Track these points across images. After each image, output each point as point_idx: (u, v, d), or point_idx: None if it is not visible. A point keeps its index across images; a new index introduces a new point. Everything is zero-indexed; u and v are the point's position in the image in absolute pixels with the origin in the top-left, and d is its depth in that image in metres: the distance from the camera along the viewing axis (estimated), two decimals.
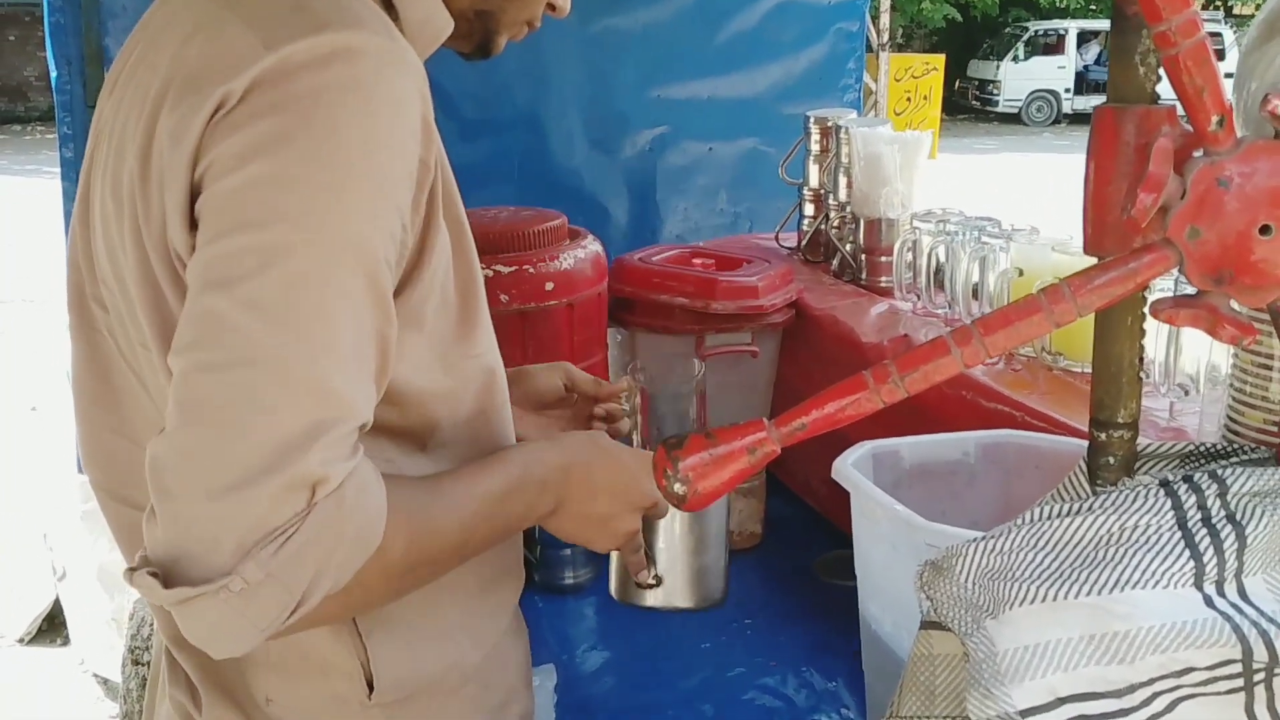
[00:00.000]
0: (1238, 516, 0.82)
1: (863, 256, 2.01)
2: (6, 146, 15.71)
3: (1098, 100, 0.88)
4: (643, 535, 1.12)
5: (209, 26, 0.79)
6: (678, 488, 0.72)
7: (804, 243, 2.25)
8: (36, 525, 3.62)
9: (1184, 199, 0.65)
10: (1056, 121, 21.00)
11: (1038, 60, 21.26)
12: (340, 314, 0.75)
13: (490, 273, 1.63)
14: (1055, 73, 21.13)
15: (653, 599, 1.19)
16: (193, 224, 0.77)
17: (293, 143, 0.74)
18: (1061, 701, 0.80)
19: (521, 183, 2.96)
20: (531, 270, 1.65)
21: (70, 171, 2.78)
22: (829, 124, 2.16)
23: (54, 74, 2.72)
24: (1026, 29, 21.78)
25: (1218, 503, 0.82)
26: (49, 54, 2.75)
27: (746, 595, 1.74)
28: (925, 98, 5.48)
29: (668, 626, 1.61)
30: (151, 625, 2.55)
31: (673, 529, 1.19)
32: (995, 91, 21.38)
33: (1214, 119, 0.63)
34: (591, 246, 1.75)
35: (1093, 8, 21.32)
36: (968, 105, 21.80)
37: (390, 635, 0.90)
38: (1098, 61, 20.88)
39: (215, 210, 0.75)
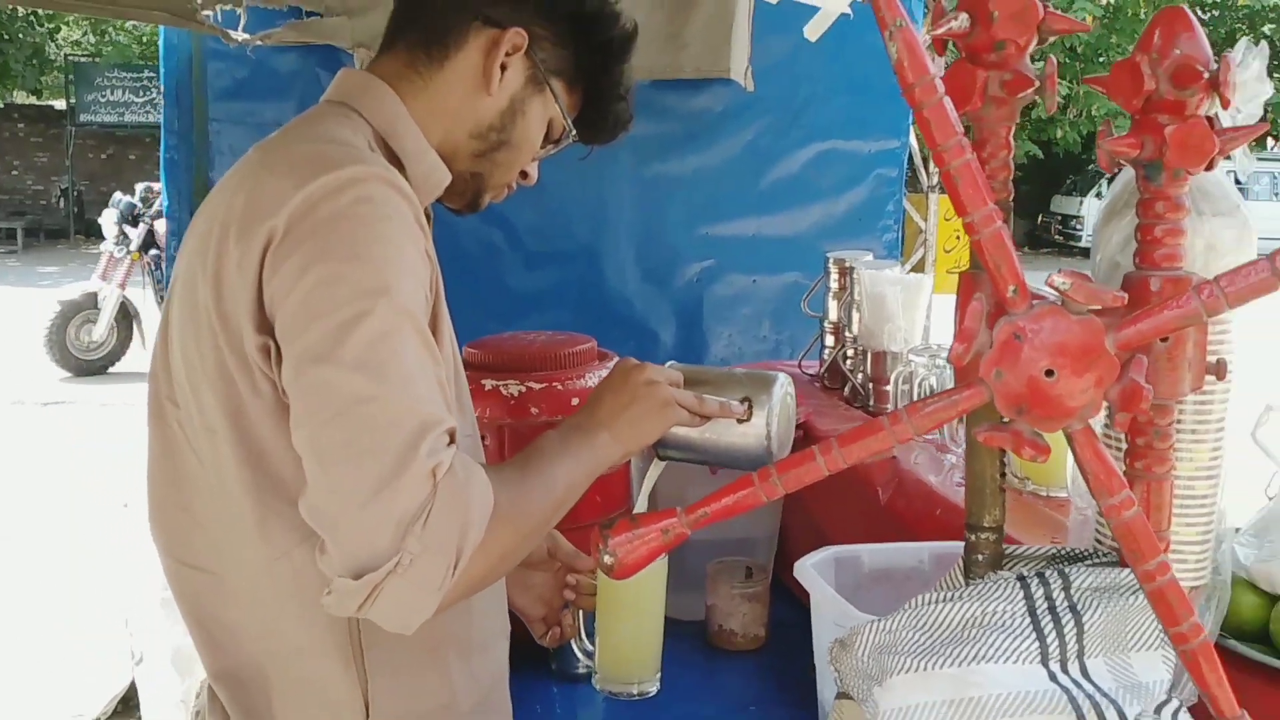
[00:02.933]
0: (1078, 607, 0.98)
1: (870, 385, 2.20)
2: None
3: None
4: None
5: (250, 179, 1.07)
6: (607, 559, 0.92)
7: (824, 370, 2.44)
8: (119, 612, 3.88)
9: (992, 348, 0.85)
10: None
11: None
12: (409, 358, 0.99)
13: (524, 388, 1.86)
14: None
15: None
16: (260, 327, 1.02)
17: (331, 252, 1.00)
18: None
19: (578, 309, 3.21)
20: (560, 387, 1.87)
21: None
22: (846, 264, 2.38)
23: (165, 203, 3.08)
24: None
25: (1062, 595, 0.99)
26: (163, 185, 3.11)
27: (748, 691, 1.90)
28: (958, 237, 5.69)
29: (670, 712, 1.77)
30: None
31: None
32: (1078, 226, 21.45)
33: (1010, 288, 0.83)
34: None
35: None
36: (1051, 240, 21.89)
37: (389, 673, 1.10)
38: None
39: (289, 321, 1.00)
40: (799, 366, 2.57)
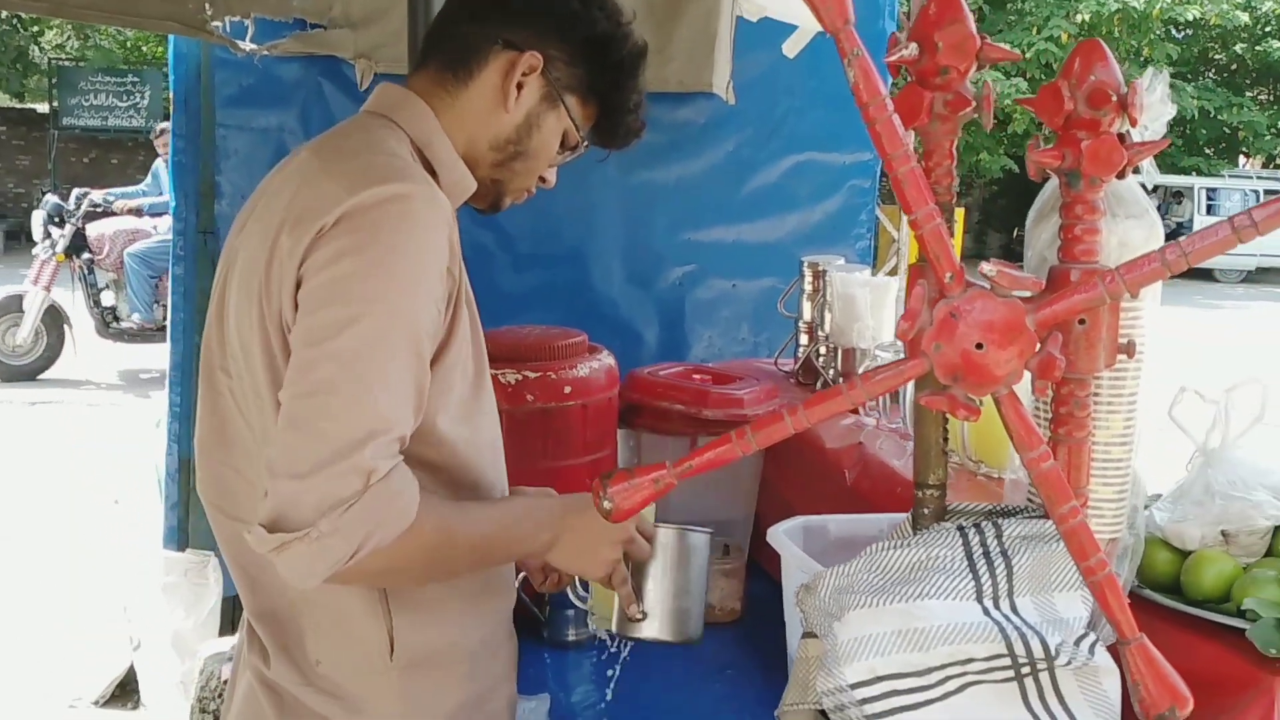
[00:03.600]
0: (1008, 552, 1.15)
1: (841, 380, 2.36)
2: None
3: None
4: (633, 578, 1.41)
5: (310, 182, 1.21)
6: (606, 504, 1.07)
7: (799, 367, 2.61)
8: (116, 602, 4.01)
9: (932, 325, 1.01)
10: None
11: None
12: (390, 362, 1.14)
13: (520, 377, 2.01)
14: None
15: (641, 632, 1.44)
16: (298, 306, 1.16)
17: (363, 253, 1.15)
18: (880, 679, 1.13)
19: (566, 309, 3.35)
20: (554, 376, 2.02)
21: (179, 285, 3.24)
22: (819, 268, 2.54)
23: (173, 204, 3.21)
24: None
25: (995, 542, 1.15)
26: (170, 187, 3.25)
27: (725, 656, 2.05)
28: None
29: (651, 675, 1.93)
30: (219, 678, 2.89)
31: (657, 575, 1.44)
32: None
33: (947, 275, 1.00)
34: (605, 360, 2.13)
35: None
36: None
37: (410, 614, 1.25)
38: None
39: (310, 295, 1.15)
40: (775, 364, 2.73)
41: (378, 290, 1.14)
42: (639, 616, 1.44)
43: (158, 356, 8.83)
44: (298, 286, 1.17)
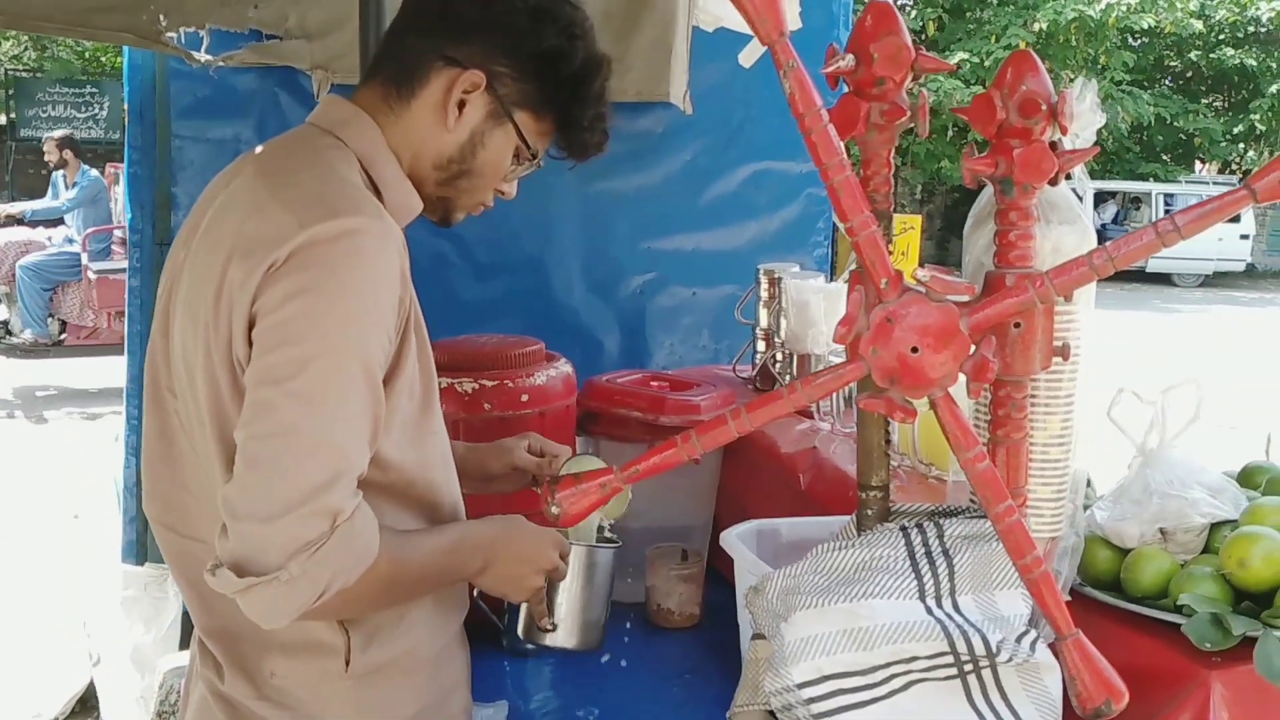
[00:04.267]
0: (950, 551, 1.17)
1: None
2: None
3: None
4: (546, 592, 1.45)
5: (261, 209, 1.20)
6: (554, 510, 1.09)
7: (756, 373, 2.63)
8: (75, 617, 3.98)
9: (869, 330, 1.03)
10: None
11: None
12: (349, 400, 1.14)
13: (477, 385, 2.02)
14: None
15: (548, 640, 1.51)
16: (250, 342, 1.16)
17: (316, 290, 1.14)
18: (826, 678, 1.15)
19: (527, 319, 3.35)
20: (511, 384, 2.03)
21: (135, 298, 3.23)
22: (775, 275, 2.57)
23: (129, 216, 3.19)
24: None
25: (937, 542, 1.18)
26: (125, 199, 3.23)
27: (684, 661, 2.07)
28: (903, 254, 5.95)
29: (610, 681, 1.94)
30: (179, 693, 2.87)
31: (570, 590, 1.50)
32: None
33: (883, 281, 1.02)
34: (563, 368, 2.14)
35: (1110, 170, 22.06)
36: None
37: (365, 627, 1.26)
38: (1115, 221, 21.48)
39: (265, 334, 1.15)
40: (734, 370, 2.75)
41: (333, 328, 1.14)
42: (550, 628, 1.49)
43: (53, 373, 8.66)
44: (251, 323, 1.16)
